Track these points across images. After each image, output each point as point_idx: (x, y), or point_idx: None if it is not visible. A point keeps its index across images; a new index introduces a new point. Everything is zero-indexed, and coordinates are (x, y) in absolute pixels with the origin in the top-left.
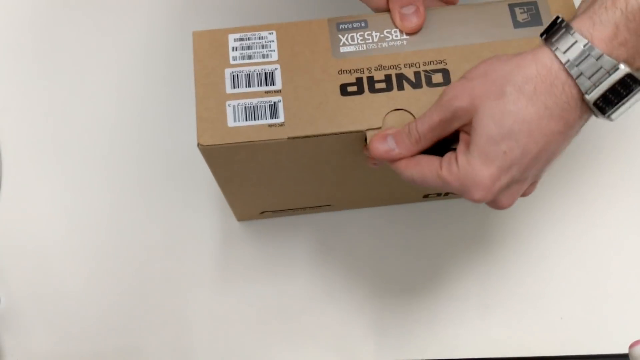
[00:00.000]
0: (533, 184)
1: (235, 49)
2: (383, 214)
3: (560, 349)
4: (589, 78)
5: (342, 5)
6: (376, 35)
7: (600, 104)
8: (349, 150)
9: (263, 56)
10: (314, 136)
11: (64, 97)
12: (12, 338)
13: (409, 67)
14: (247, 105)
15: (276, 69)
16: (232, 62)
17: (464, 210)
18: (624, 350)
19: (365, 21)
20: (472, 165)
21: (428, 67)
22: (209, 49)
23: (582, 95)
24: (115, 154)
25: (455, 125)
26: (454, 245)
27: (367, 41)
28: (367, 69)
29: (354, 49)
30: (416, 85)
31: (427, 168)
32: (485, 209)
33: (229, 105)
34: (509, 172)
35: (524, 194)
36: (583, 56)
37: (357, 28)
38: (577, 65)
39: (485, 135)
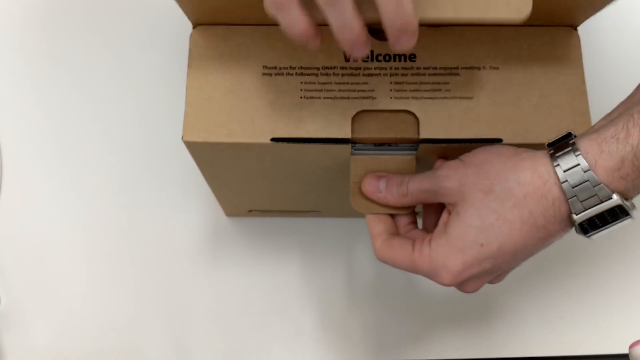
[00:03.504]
0: (501, 275)
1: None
2: None
3: (560, 349)
4: (582, 202)
5: None
6: None
7: (586, 226)
8: (334, 162)
9: None
10: (297, 139)
11: (64, 97)
12: (12, 338)
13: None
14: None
15: None
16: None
17: None
18: (624, 350)
19: None
20: (445, 250)
21: None
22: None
23: (570, 213)
24: (114, 152)
25: (440, 200)
26: None
27: None
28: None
29: None
30: None
31: (400, 252)
32: None
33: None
34: (482, 264)
35: (490, 282)
36: (582, 181)
37: None
38: (573, 187)
39: (465, 224)
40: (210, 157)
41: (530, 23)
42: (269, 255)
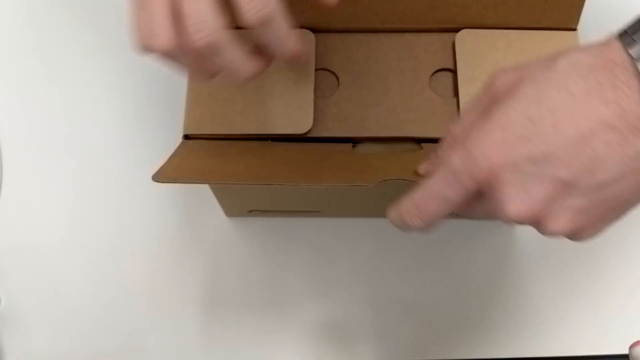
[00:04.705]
0: (592, 223)
1: None
2: (377, 224)
3: (560, 349)
4: None
5: None
6: None
7: None
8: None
9: None
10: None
11: (64, 97)
12: (12, 338)
13: None
14: None
15: None
16: None
17: (463, 227)
18: (624, 350)
19: None
20: (485, 122)
21: None
22: None
23: None
24: (114, 152)
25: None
26: (452, 246)
27: None
28: None
29: None
30: None
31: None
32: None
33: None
34: (528, 144)
35: (575, 234)
36: None
37: None
38: None
39: (516, 97)
40: None
41: (530, 26)
42: (269, 255)
